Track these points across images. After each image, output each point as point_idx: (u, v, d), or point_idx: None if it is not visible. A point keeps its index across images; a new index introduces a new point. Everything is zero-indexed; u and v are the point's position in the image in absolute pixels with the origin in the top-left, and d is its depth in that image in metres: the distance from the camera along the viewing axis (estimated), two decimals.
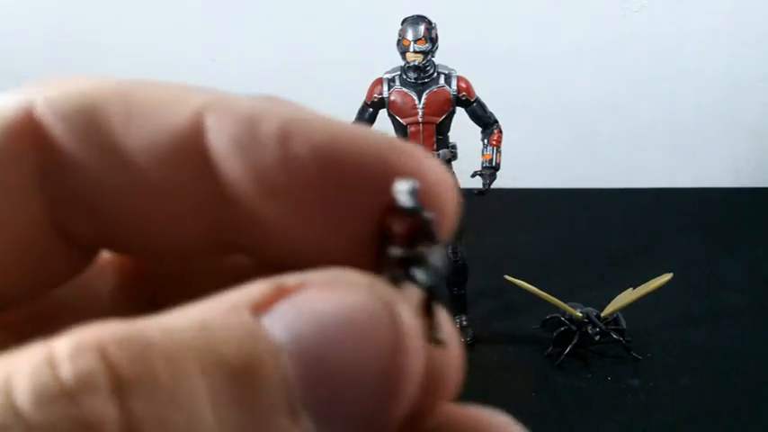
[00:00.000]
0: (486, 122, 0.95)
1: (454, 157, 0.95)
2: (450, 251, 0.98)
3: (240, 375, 0.10)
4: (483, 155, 0.95)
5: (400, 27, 0.90)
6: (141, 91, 0.13)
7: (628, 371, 0.89)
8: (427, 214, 0.12)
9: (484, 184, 0.94)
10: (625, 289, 0.94)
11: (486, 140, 0.95)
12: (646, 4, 1.31)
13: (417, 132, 0.92)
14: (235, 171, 0.13)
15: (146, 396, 0.10)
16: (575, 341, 0.90)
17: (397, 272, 0.12)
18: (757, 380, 0.86)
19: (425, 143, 0.92)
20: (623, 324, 0.92)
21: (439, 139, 0.93)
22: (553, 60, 1.35)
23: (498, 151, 0.95)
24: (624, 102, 1.38)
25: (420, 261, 0.12)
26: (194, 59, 1.39)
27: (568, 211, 1.34)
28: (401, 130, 0.93)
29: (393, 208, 0.12)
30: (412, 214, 0.12)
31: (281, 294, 0.11)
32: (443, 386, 0.13)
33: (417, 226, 0.12)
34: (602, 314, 0.91)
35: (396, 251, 0.12)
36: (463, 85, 0.92)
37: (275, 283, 0.11)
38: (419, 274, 0.12)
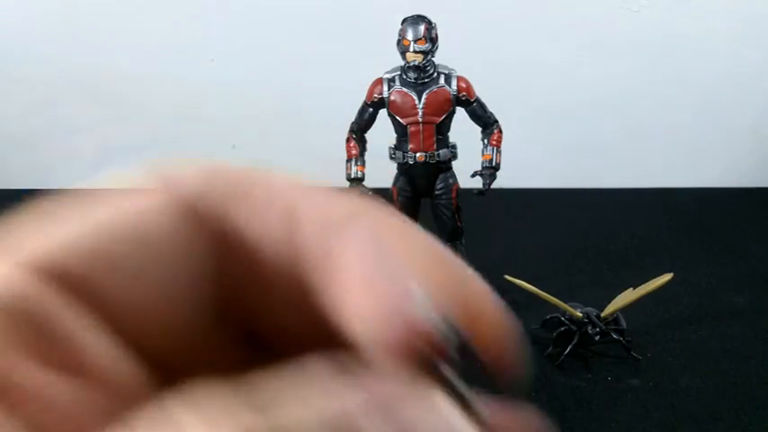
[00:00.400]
0: (486, 122, 0.95)
1: (454, 156, 0.95)
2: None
3: None
4: (483, 155, 0.95)
5: (400, 27, 0.90)
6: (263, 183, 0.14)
7: (628, 371, 0.89)
8: (460, 336, 0.12)
9: (484, 184, 0.94)
10: (625, 289, 0.94)
11: (486, 140, 0.95)
12: (645, 5, 1.31)
13: (417, 132, 0.92)
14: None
15: None
16: (575, 341, 0.90)
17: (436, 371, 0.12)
18: (757, 380, 0.86)
19: (425, 143, 0.92)
20: (623, 324, 0.92)
21: (439, 138, 0.93)
22: (553, 60, 1.35)
23: (498, 151, 0.95)
24: (624, 102, 1.38)
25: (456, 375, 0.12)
26: (193, 60, 1.39)
27: (568, 211, 1.34)
28: (401, 130, 0.93)
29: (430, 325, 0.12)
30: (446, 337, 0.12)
31: (370, 407, 0.11)
32: None
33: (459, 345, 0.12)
34: (603, 314, 0.91)
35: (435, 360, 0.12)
36: (463, 84, 0.92)
37: (367, 396, 0.11)
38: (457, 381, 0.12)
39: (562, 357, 0.90)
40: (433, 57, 0.90)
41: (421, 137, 0.92)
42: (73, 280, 0.12)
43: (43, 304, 0.12)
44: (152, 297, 0.13)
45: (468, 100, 0.92)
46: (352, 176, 0.94)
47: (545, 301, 0.91)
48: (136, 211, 0.13)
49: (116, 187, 0.14)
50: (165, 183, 0.14)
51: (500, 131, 0.95)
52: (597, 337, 0.90)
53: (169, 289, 0.13)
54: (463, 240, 0.98)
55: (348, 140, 0.95)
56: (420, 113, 0.91)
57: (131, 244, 0.13)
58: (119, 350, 0.13)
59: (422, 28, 0.88)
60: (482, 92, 0.94)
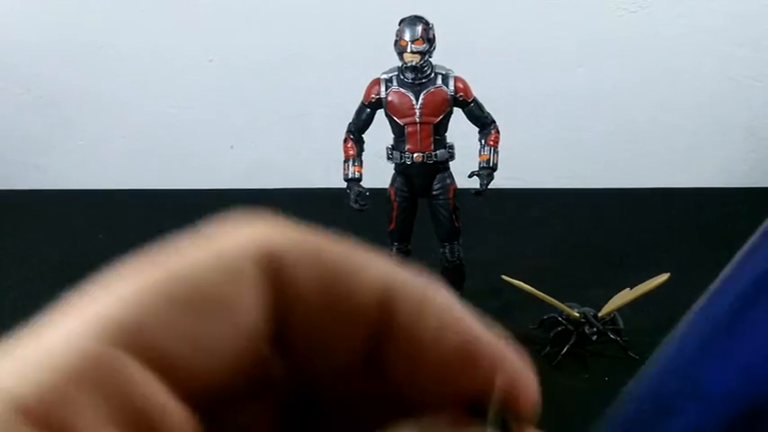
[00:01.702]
0: (484, 123, 0.95)
1: (451, 157, 0.95)
2: (447, 251, 0.98)
3: None
4: (480, 155, 0.95)
5: (397, 28, 0.90)
6: (351, 254, 0.15)
7: (625, 371, 0.89)
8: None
9: (481, 185, 0.94)
10: (622, 289, 0.94)
11: (483, 141, 0.95)
12: (643, 5, 1.31)
13: (415, 132, 0.92)
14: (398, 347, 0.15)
15: None
16: (572, 341, 0.90)
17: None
18: None
19: (423, 143, 0.92)
20: (621, 324, 0.93)
21: (436, 139, 0.93)
22: (551, 61, 1.35)
23: (496, 151, 0.95)
24: (622, 102, 1.38)
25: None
26: (192, 60, 1.39)
27: (565, 211, 1.34)
28: (398, 130, 0.93)
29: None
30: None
31: None
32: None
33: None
34: (600, 314, 0.92)
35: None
36: (460, 85, 0.92)
37: None
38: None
39: (559, 357, 0.90)
40: (430, 57, 0.90)
41: (418, 137, 0.92)
42: (140, 342, 0.13)
43: (120, 370, 0.12)
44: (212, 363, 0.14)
45: (465, 100, 0.92)
46: (350, 177, 0.95)
47: (542, 301, 0.91)
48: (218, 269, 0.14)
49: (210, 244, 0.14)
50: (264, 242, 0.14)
51: (497, 132, 0.95)
52: (594, 337, 0.90)
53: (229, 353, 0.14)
54: (461, 240, 0.98)
55: (345, 141, 0.95)
56: (417, 114, 0.91)
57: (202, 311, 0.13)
58: (183, 413, 0.13)
59: (419, 29, 0.88)
60: (479, 92, 0.94)
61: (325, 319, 0.14)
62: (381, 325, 0.14)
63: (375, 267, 0.15)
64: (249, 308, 0.14)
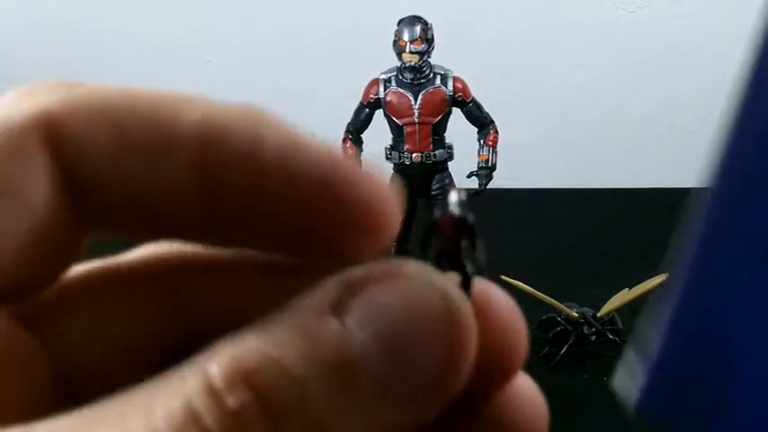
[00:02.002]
0: (483, 123, 0.95)
1: (450, 157, 0.95)
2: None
3: (341, 376, 0.12)
4: (479, 155, 0.95)
5: (396, 28, 0.90)
6: (146, 96, 0.15)
7: None
8: (471, 218, 0.15)
9: (480, 185, 0.94)
10: (621, 289, 0.94)
11: (482, 141, 0.95)
12: (641, 5, 1.31)
13: (414, 133, 0.92)
14: (233, 176, 0.14)
15: (287, 417, 0.12)
16: (571, 341, 0.90)
17: (442, 264, 0.15)
18: None
19: (422, 143, 0.92)
20: (619, 324, 0.92)
21: (435, 139, 0.93)
22: (549, 60, 1.35)
23: (494, 152, 0.95)
24: (621, 102, 1.38)
25: (466, 255, 0.15)
26: (191, 60, 1.38)
27: (564, 212, 1.34)
28: (397, 130, 0.93)
29: (443, 215, 0.15)
30: (459, 220, 0.15)
31: (351, 292, 0.13)
32: (507, 364, 0.16)
33: (463, 230, 0.15)
34: (599, 314, 0.92)
35: (444, 247, 0.15)
36: (459, 85, 0.92)
37: (344, 282, 0.13)
38: (468, 265, 0.15)
39: (558, 357, 0.90)
40: (429, 57, 0.90)
41: (417, 137, 0.92)
42: None
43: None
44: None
45: (464, 100, 0.92)
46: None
47: (541, 302, 0.91)
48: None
49: None
50: (41, 105, 0.14)
51: (496, 132, 0.95)
52: (593, 338, 0.90)
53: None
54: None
55: (344, 141, 0.95)
56: (416, 114, 0.91)
57: None
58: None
59: (418, 29, 0.88)
60: (478, 92, 0.94)
61: (137, 170, 0.14)
62: (209, 158, 0.14)
63: (187, 106, 0.15)
64: (37, 188, 0.13)
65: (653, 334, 0.15)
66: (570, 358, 0.91)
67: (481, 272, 0.15)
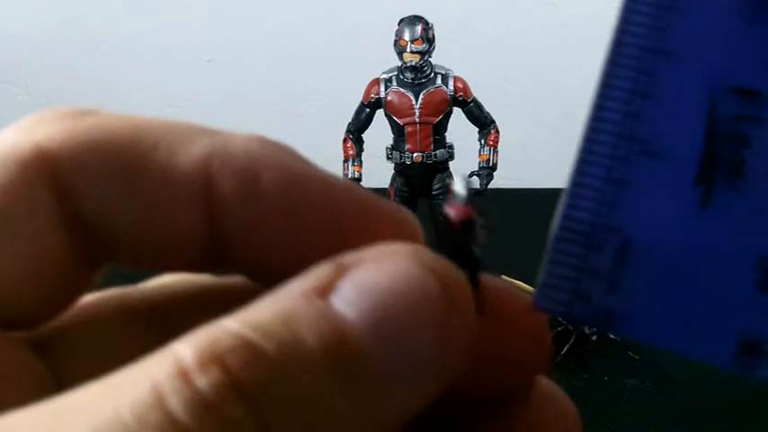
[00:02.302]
0: (484, 123, 0.95)
1: (451, 157, 0.95)
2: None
3: (325, 358, 0.12)
4: (480, 155, 0.95)
5: (397, 27, 0.90)
6: (150, 132, 0.14)
7: (625, 370, 0.89)
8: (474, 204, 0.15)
9: (481, 185, 0.94)
10: None
11: (483, 141, 0.95)
12: None
13: (414, 132, 0.92)
14: (234, 210, 0.14)
15: (263, 400, 0.11)
16: (572, 341, 0.90)
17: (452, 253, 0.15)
18: (753, 380, 0.86)
19: (422, 143, 0.92)
20: None
21: (436, 139, 0.93)
22: (550, 60, 1.35)
23: (495, 151, 0.95)
24: None
25: (470, 240, 0.15)
26: (191, 60, 1.38)
27: None
28: (398, 130, 0.93)
29: (450, 203, 0.15)
30: (464, 204, 0.15)
31: (340, 273, 0.13)
32: (529, 363, 0.16)
33: (470, 213, 0.15)
34: None
35: (453, 237, 0.15)
36: (460, 85, 0.92)
37: (335, 264, 0.13)
38: (469, 252, 0.15)
39: (559, 357, 0.90)
40: (430, 57, 0.90)
41: (418, 137, 0.92)
42: None
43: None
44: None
45: (464, 100, 0.92)
46: (349, 177, 0.94)
47: None
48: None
49: None
50: (37, 142, 0.14)
51: (497, 132, 0.95)
52: (594, 337, 0.90)
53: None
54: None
55: (345, 141, 0.95)
56: (417, 114, 0.91)
57: None
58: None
59: (419, 28, 0.88)
60: (479, 92, 0.94)
61: (141, 207, 0.14)
62: (212, 191, 0.14)
63: (191, 138, 0.14)
64: (40, 221, 0.14)
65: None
66: (571, 358, 0.91)
67: (481, 249, 0.15)
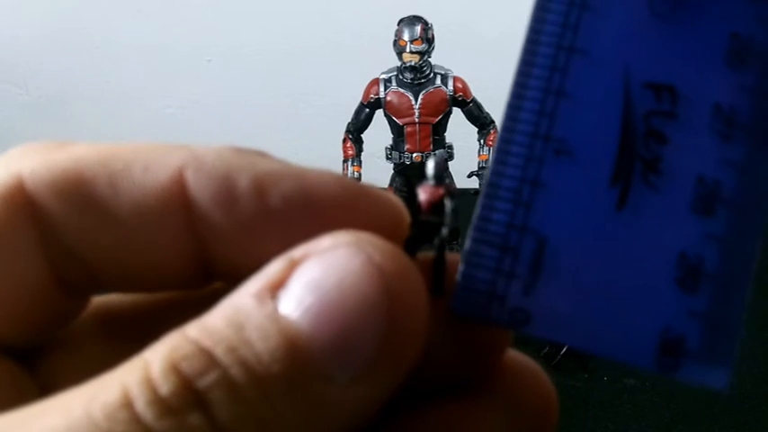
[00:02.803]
0: (483, 123, 0.95)
1: (451, 157, 0.95)
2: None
3: (273, 361, 0.12)
4: (479, 155, 0.95)
5: (396, 28, 0.90)
6: (121, 154, 0.14)
7: (624, 370, 0.89)
8: (447, 180, 0.15)
9: (480, 185, 0.94)
10: None
11: (482, 141, 0.95)
12: None
13: (414, 132, 0.92)
14: (214, 219, 0.15)
15: (218, 406, 0.12)
16: None
17: (420, 235, 0.15)
18: (753, 379, 0.86)
19: (422, 143, 0.92)
20: None
21: (435, 139, 0.93)
22: None
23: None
24: None
25: (439, 220, 0.15)
26: (190, 60, 1.38)
27: None
28: (398, 130, 0.93)
29: (422, 185, 0.15)
30: (436, 183, 0.15)
31: (292, 268, 0.13)
32: (490, 341, 0.16)
33: (440, 195, 0.15)
34: None
35: (422, 217, 0.15)
36: (459, 85, 0.92)
37: (287, 259, 0.13)
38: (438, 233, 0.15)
39: (558, 357, 0.90)
40: (429, 57, 0.91)
41: (417, 137, 0.92)
42: None
43: None
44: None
45: (464, 100, 0.92)
46: (349, 177, 0.95)
47: None
48: None
49: None
50: (14, 176, 0.14)
51: (497, 132, 0.95)
52: None
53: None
54: (459, 241, 0.98)
55: (345, 141, 0.95)
56: (416, 114, 0.91)
57: None
58: None
59: (418, 29, 0.88)
60: (479, 92, 0.94)
61: (118, 235, 0.14)
62: (189, 202, 0.14)
63: (164, 154, 0.15)
64: (20, 252, 0.14)
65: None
66: (571, 358, 0.91)
67: (450, 227, 0.15)
